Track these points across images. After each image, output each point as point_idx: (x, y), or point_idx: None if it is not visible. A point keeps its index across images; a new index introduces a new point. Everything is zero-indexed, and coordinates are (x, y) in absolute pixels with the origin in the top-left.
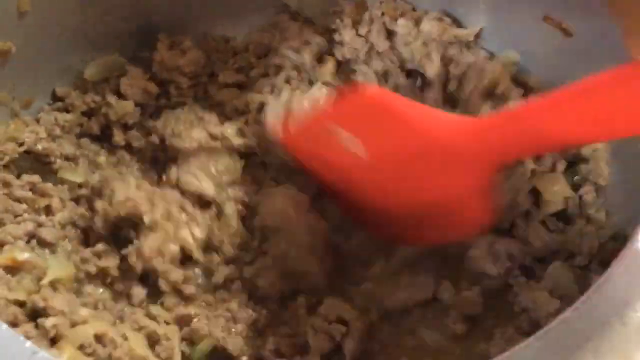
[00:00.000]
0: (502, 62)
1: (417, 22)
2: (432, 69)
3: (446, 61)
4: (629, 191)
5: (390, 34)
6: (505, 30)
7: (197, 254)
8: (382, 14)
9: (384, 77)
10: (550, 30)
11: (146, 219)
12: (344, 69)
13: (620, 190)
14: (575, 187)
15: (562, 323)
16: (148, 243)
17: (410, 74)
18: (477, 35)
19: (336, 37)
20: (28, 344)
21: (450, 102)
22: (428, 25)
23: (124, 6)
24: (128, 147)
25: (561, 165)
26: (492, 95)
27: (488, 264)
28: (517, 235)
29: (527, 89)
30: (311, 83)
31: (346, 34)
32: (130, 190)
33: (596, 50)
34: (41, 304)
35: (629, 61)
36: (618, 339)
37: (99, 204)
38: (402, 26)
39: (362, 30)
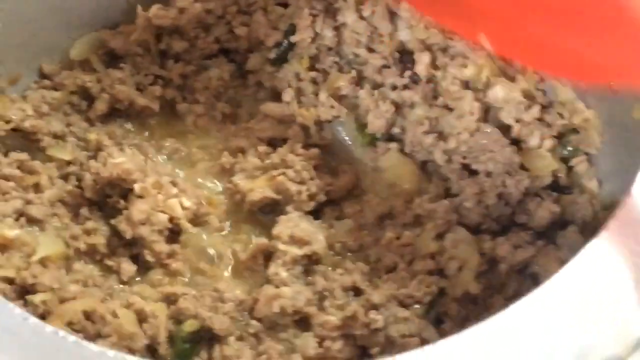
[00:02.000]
0: None
1: None
2: (422, 68)
3: (434, 53)
4: (620, 161)
5: (393, 16)
6: None
7: (186, 225)
8: None
9: (379, 72)
10: None
11: (136, 187)
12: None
13: (611, 160)
14: (567, 159)
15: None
16: (137, 208)
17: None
18: None
19: (339, 18)
20: (18, 310)
21: (434, 92)
22: None
23: None
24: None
25: (547, 143)
26: (474, 84)
27: None
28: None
29: (511, 79)
30: None
31: (349, 16)
32: (125, 156)
33: None
34: (30, 280)
35: None
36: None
37: (93, 165)
38: (405, 10)
39: (366, 12)
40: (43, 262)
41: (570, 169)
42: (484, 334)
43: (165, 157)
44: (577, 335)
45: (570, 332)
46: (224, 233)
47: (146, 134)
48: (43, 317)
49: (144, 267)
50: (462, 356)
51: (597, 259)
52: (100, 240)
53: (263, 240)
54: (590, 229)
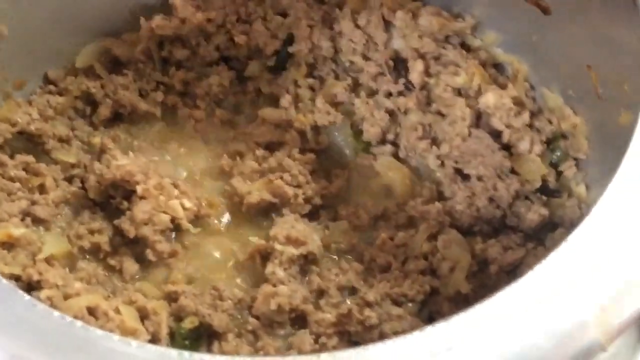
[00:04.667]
0: (482, 43)
1: (415, 16)
2: (416, 76)
3: (427, 61)
4: (607, 166)
5: (387, 25)
6: (491, 14)
7: (187, 225)
8: (381, 4)
9: (374, 79)
10: (529, 9)
11: (139, 189)
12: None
13: (599, 164)
14: (556, 164)
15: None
16: (140, 209)
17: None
18: (474, 28)
19: (335, 26)
20: (27, 297)
21: (427, 99)
22: (426, 20)
23: None
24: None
25: (537, 148)
26: (466, 91)
27: None
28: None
29: (502, 87)
30: None
31: (345, 25)
32: (128, 159)
33: (573, 27)
34: (36, 277)
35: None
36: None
37: (97, 166)
38: (400, 19)
39: (362, 22)
40: (48, 260)
41: (559, 173)
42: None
43: (167, 159)
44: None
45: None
46: (223, 233)
47: (148, 138)
48: None
49: (146, 266)
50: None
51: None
52: (103, 239)
53: (261, 241)
54: None
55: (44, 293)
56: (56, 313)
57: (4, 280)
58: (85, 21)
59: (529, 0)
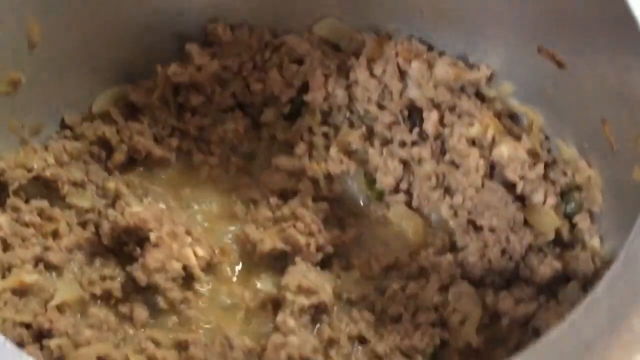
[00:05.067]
0: (497, 94)
1: (431, 66)
2: (430, 126)
3: (442, 111)
4: (621, 219)
5: (403, 75)
6: (506, 66)
7: (199, 273)
8: (397, 54)
9: (388, 128)
10: (544, 62)
11: (152, 236)
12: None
13: (613, 217)
14: (570, 216)
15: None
16: (152, 256)
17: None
18: (490, 78)
19: (351, 75)
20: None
21: (441, 149)
22: (441, 71)
23: (129, 40)
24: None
25: (551, 200)
26: (480, 142)
27: None
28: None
29: (517, 138)
30: None
31: (361, 74)
32: (142, 205)
33: (587, 81)
34: (47, 325)
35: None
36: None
37: (111, 213)
38: (415, 69)
39: (377, 71)
40: (60, 307)
41: (573, 225)
42: None
43: (180, 205)
44: None
45: None
46: (235, 281)
47: (163, 183)
48: None
49: (157, 313)
50: None
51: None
52: (115, 285)
53: (272, 289)
54: (591, 285)
55: (54, 341)
56: None
57: (9, 344)
58: (102, 67)
59: (544, 53)
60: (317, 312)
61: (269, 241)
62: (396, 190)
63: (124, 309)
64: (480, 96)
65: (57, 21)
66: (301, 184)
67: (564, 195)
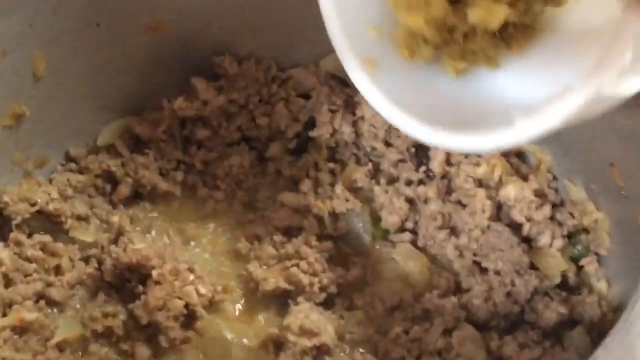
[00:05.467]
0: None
1: None
2: (437, 165)
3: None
4: (629, 262)
5: None
6: None
7: (201, 311)
8: None
9: (395, 166)
10: None
11: (154, 274)
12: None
13: (621, 261)
14: (577, 259)
15: None
16: (154, 294)
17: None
18: None
19: (358, 111)
20: None
21: (447, 188)
22: None
23: (134, 72)
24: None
25: (558, 242)
26: (487, 182)
27: None
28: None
29: (524, 177)
30: None
31: (367, 110)
32: (145, 242)
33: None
34: None
35: None
36: None
37: (113, 249)
38: None
39: None
40: (60, 345)
41: (579, 268)
42: None
43: (184, 241)
44: None
45: None
46: (237, 319)
47: (167, 217)
48: None
49: (158, 351)
50: None
51: None
52: (116, 323)
53: (274, 330)
54: (597, 331)
55: None
56: None
57: None
58: (108, 100)
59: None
60: (319, 354)
61: (272, 280)
62: (401, 229)
63: (125, 347)
64: None
65: (62, 54)
66: (306, 221)
67: (571, 237)
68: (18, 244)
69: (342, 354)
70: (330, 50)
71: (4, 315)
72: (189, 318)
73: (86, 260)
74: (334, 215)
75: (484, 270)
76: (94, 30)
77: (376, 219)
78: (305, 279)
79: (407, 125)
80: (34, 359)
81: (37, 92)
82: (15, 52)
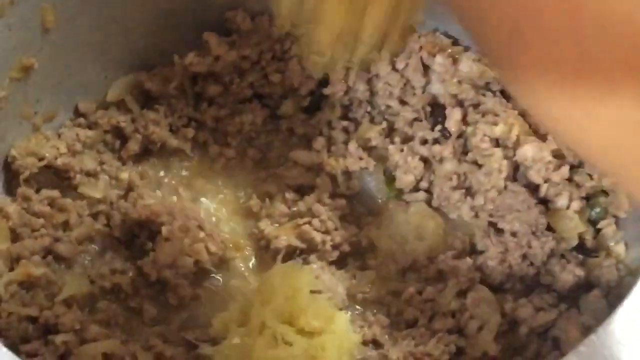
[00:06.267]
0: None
1: (455, 61)
2: (453, 124)
3: (465, 109)
4: None
5: (426, 70)
6: None
7: (210, 269)
8: (420, 48)
9: (410, 125)
10: None
11: (164, 230)
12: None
13: (639, 224)
14: (595, 221)
15: None
16: (163, 251)
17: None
18: None
19: (372, 69)
20: None
21: (463, 147)
22: (466, 66)
23: (145, 26)
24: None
25: (575, 204)
26: (504, 142)
27: None
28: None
29: (543, 138)
30: None
31: (382, 68)
32: (155, 198)
33: None
34: (53, 320)
35: None
36: None
37: (122, 204)
38: (439, 64)
39: (400, 65)
40: (67, 301)
41: (597, 231)
42: None
43: (194, 198)
44: None
45: None
46: (247, 277)
47: (177, 174)
48: (63, 358)
49: (167, 309)
50: None
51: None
52: (125, 280)
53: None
54: (614, 294)
55: (59, 337)
56: None
57: (4, 349)
58: (118, 54)
59: None
60: None
61: (284, 238)
62: (416, 188)
63: (133, 304)
64: (505, 94)
65: (72, 5)
66: (318, 179)
67: (589, 199)
68: (26, 198)
69: (353, 315)
70: None
71: (11, 269)
72: (198, 276)
73: (95, 216)
74: (347, 174)
75: (499, 232)
76: None
77: (390, 178)
78: (317, 237)
79: None
80: (40, 314)
81: (46, 45)
82: (24, 2)
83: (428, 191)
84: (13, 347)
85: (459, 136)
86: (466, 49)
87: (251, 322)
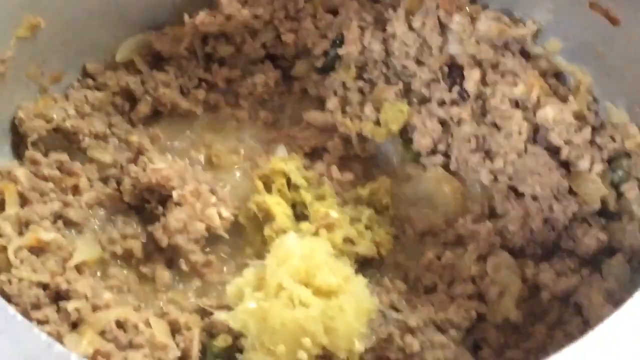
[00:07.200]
0: (544, 51)
1: (474, 20)
2: (471, 84)
3: (484, 69)
4: None
5: (443, 29)
6: (554, 21)
7: (223, 235)
8: (437, 6)
9: (427, 86)
10: (596, 18)
11: (175, 195)
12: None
13: None
14: (618, 184)
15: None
16: (174, 216)
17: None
18: (536, 35)
19: (388, 28)
20: (44, 336)
21: (482, 109)
22: (485, 25)
23: None
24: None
25: (597, 167)
26: (524, 103)
27: None
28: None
29: (563, 99)
30: None
31: (399, 27)
32: (165, 162)
33: None
34: (64, 286)
35: None
36: None
37: (132, 168)
38: (457, 23)
39: (416, 24)
40: (78, 267)
41: (620, 194)
42: None
43: (206, 161)
44: None
45: None
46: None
47: (188, 137)
48: (75, 325)
49: (179, 275)
50: None
51: None
52: (136, 245)
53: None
54: (638, 259)
55: (72, 304)
56: (73, 357)
57: (19, 316)
58: (127, 13)
59: (597, 9)
60: None
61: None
62: (434, 151)
63: (145, 270)
64: (525, 54)
65: None
66: (331, 142)
67: (612, 162)
68: (34, 162)
69: (371, 280)
70: None
71: (21, 234)
72: (210, 241)
73: (105, 180)
74: (362, 136)
75: (520, 195)
76: None
77: (407, 141)
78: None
79: None
80: (52, 280)
81: (52, 3)
82: None
83: (446, 154)
84: (24, 314)
85: (478, 98)
86: (484, 7)
87: (267, 285)
